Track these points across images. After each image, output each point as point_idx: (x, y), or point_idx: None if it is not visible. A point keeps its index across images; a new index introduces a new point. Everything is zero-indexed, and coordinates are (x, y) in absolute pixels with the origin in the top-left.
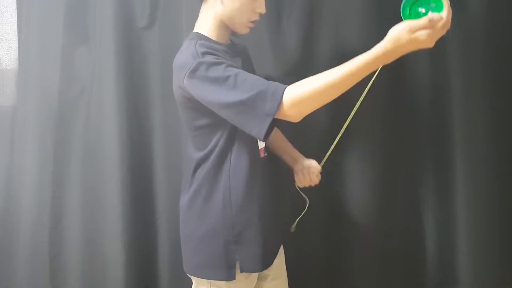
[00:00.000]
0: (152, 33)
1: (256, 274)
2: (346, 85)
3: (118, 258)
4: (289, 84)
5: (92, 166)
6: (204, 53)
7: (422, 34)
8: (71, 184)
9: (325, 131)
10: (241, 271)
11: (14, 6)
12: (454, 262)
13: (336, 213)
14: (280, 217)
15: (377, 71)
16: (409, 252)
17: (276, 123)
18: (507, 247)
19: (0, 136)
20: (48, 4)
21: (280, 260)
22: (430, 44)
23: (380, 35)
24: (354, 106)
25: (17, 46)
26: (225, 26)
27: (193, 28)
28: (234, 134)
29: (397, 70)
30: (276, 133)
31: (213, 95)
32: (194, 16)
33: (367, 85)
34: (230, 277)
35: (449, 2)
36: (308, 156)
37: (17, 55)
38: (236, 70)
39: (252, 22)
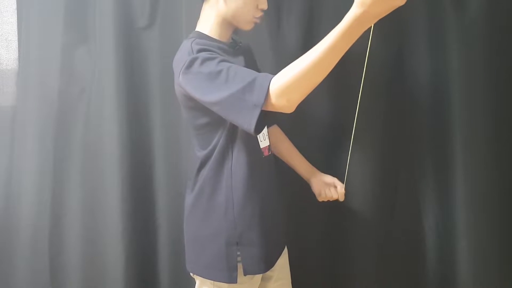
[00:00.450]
0: (152, 33)
1: (260, 275)
2: (329, 62)
3: (118, 258)
4: None
5: (92, 166)
6: (199, 50)
7: None
8: (71, 184)
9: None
10: (244, 274)
11: (14, 6)
12: (454, 262)
13: (337, 214)
14: (284, 217)
15: (368, 50)
16: (411, 253)
17: (268, 117)
18: (507, 247)
19: (0, 136)
20: (48, 4)
21: (284, 260)
22: (401, 2)
23: (380, 35)
24: (356, 104)
25: (17, 46)
26: (227, 24)
27: (193, 28)
28: (235, 132)
29: (397, 70)
30: (286, 143)
31: (204, 91)
32: (194, 16)
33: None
34: (231, 279)
35: None
36: (310, 155)
37: (17, 55)
38: (228, 64)
39: (257, 18)
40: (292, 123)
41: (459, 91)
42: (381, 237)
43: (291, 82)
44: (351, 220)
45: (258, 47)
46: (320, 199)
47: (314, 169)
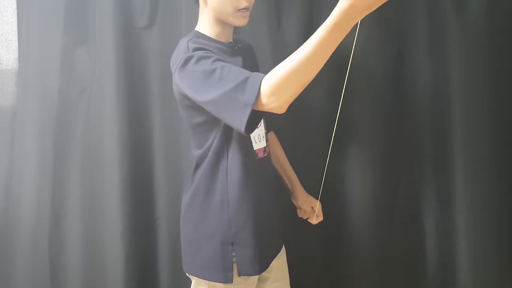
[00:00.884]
0: (152, 33)
1: (256, 276)
2: (319, 58)
3: (118, 258)
4: None
5: (92, 166)
6: (195, 49)
7: None
8: (71, 184)
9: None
10: (239, 275)
11: (14, 6)
12: (454, 262)
13: (337, 214)
14: (281, 217)
15: (353, 47)
16: (411, 253)
17: (260, 118)
18: (507, 248)
19: (0, 136)
20: (48, 4)
21: (281, 261)
22: None
23: (379, 35)
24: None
25: (17, 46)
26: (222, 23)
27: (193, 28)
28: (230, 132)
29: (396, 70)
30: (279, 153)
31: (198, 90)
32: (194, 16)
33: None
34: (227, 279)
35: None
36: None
37: (17, 55)
38: (222, 64)
39: (243, 10)
40: (292, 127)
41: (459, 91)
42: (381, 238)
43: (281, 81)
44: (351, 221)
45: (258, 47)
46: (300, 215)
47: (298, 183)
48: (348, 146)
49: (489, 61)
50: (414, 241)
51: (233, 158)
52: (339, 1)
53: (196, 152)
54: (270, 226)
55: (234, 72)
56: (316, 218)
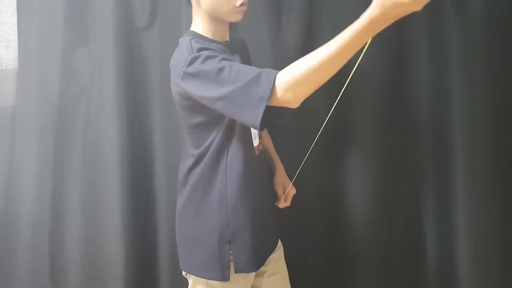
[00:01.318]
0: (152, 33)
1: (253, 273)
2: (339, 60)
3: (118, 258)
4: None
5: (92, 166)
6: (199, 49)
7: None
8: (71, 184)
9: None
10: (236, 272)
11: (14, 6)
12: (454, 262)
13: (336, 212)
14: (276, 214)
15: (366, 47)
16: (411, 253)
17: (273, 115)
18: (507, 248)
19: (0, 136)
20: (48, 4)
21: (278, 254)
22: (418, 7)
23: (380, 35)
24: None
25: (17, 46)
26: (217, 21)
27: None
28: (230, 132)
29: (396, 70)
30: (264, 135)
31: (207, 88)
32: None
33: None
34: (224, 277)
35: None
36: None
37: (17, 55)
38: (229, 62)
39: (240, 6)
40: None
41: (459, 91)
42: (381, 238)
43: (299, 77)
44: (351, 221)
45: (258, 47)
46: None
47: (282, 168)
48: (348, 146)
49: (489, 61)
50: (414, 241)
51: (233, 157)
52: (371, 8)
53: (193, 152)
54: (267, 223)
55: (243, 69)
56: (283, 202)
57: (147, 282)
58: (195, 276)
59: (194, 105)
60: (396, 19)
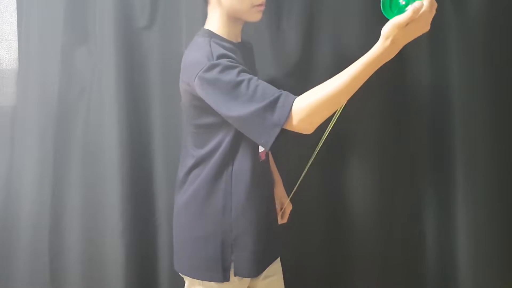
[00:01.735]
0: (152, 33)
1: None
2: (352, 89)
3: (118, 258)
4: (297, 92)
5: (92, 166)
6: (219, 56)
7: (413, 25)
8: (71, 184)
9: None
10: (235, 275)
11: (14, 6)
12: (454, 262)
13: (335, 213)
14: (278, 222)
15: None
16: (411, 253)
17: (284, 134)
18: (507, 247)
19: (0, 136)
20: (48, 4)
21: None
22: (426, 28)
23: (379, 36)
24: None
25: (17, 46)
26: (233, 20)
27: (193, 28)
28: (238, 137)
29: (396, 70)
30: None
31: (221, 100)
32: (194, 16)
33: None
34: (224, 279)
35: None
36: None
37: (17, 55)
38: (248, 76)
39: (259, 5)
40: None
41: (459, 91)
42: (381, 238)
43: (314, 106)
44: (351, 221)
45: (258, 47)
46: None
47: (280, 183)
48: (347, 146)
49: (489, 61)
50: (414, 241)
51: (239, 162)
52: (381, 40)
53: (195, 152)
54: (271, 231)
55: (261, 87)
56: (280, 219)
57: (147, 282)
58: (191, 278)
59: (204, 106)
60: (407, 42)
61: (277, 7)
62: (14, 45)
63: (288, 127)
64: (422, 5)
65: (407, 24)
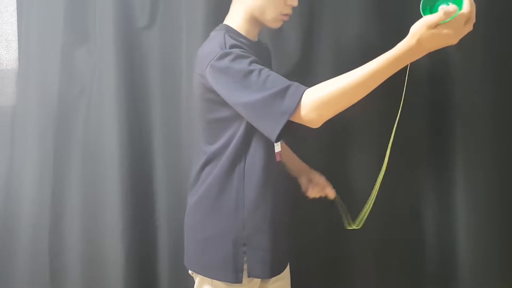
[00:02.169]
0: (152, 33)
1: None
2: (369, 86)
3: (118, 258)
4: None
5: (92, 166)
6: (232, 45)
7: (442, 30)
8: (71, 184)
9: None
10: (249, 276)
11: (14, 6)
12: (454, 262)
13: (336, 213)
14: (291, 225)
15: (407, 75)
16: (411, 253)
17: (291, 127)
18: (507, 247)
19: (0, 136)
20: (48, 4)
21: None
22: (454, 40)
23: (380, 35)
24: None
25: (17, 46)
26: (255, 21)
27: (193, 28)
28: (251, 133)
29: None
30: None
31: (231, 88)
32: (194, 16)
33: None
34: (237, 280)
35: None
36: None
37: (17, 55)
38: (260, 66)
39: (285, 15)
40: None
41: (459, 91)
42: (381, 238)
43: (327, 97)
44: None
45: None
46: (311, 196)
47: (304, 165)
48: (347, 146)
49: (489, 61)
50: (414, 241)
51: (252, 159)
52: (407, 38)
53: (207, 148)
54: (283, 233)
55: (272, 77)
56: (311, 191)
57: (147, 282)
58: (202, 276)
59: (217, 99)
60: (431, 50)
61: None
62: (14, 45)
63: (296, 118)
64: (456, 10)
65: (436, 25)
